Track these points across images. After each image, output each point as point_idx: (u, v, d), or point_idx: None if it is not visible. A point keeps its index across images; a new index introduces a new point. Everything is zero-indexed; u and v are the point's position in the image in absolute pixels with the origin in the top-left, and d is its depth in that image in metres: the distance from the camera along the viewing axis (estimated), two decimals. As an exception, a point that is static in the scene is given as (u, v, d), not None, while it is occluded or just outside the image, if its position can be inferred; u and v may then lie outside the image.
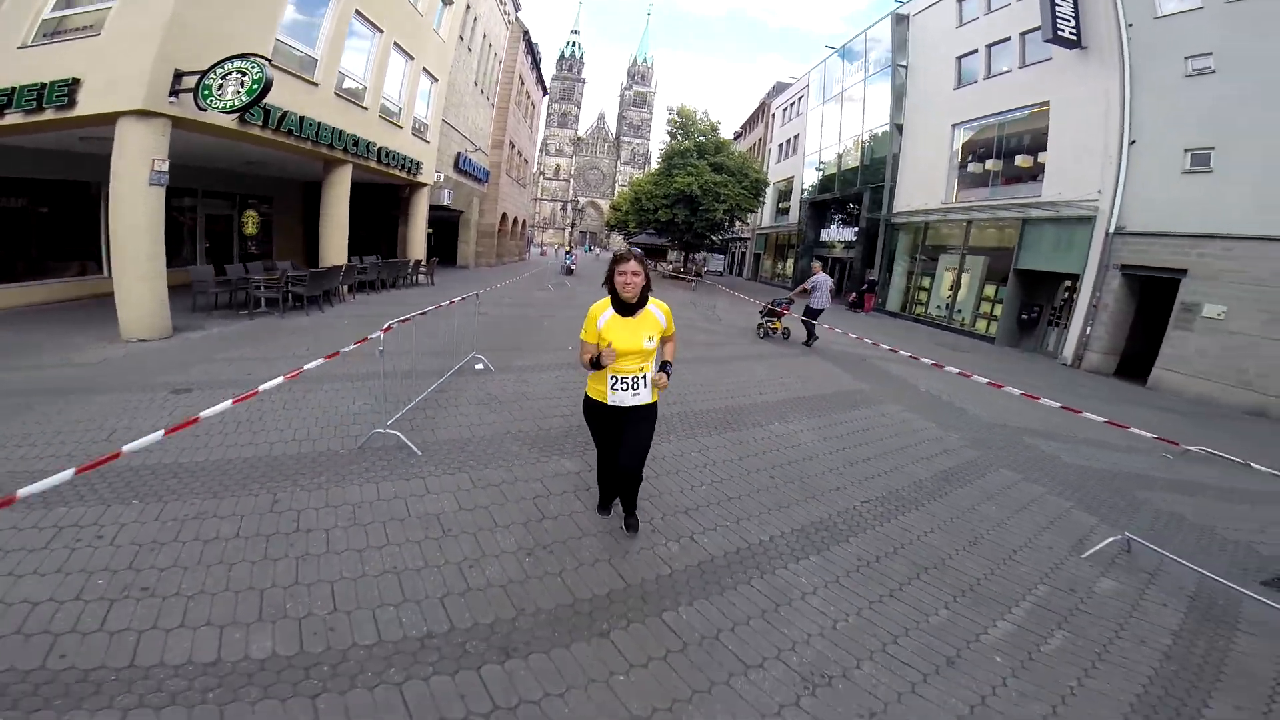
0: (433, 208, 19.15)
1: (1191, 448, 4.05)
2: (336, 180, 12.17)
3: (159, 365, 6.50)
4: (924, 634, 2.83)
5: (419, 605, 2.67)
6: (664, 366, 3.17)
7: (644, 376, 3.05)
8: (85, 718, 1.94)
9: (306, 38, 10.68)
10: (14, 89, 7.43)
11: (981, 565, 3.59)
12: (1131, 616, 3.16)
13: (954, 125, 19.00)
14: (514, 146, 32.97)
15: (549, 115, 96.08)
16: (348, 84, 12.17)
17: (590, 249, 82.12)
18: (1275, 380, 10.28)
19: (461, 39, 20.47)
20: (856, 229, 25.34)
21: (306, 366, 3.98)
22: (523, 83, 33.96)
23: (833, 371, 9.42)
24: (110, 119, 7.27)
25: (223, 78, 7.36)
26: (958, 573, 3.47)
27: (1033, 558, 3.76)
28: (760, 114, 46.21)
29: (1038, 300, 16.05)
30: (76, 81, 7.28)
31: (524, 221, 43.29)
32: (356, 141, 12.04)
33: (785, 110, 38.30)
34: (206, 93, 7.27)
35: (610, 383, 3.04)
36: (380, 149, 13.24)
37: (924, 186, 20.26)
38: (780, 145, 38.88)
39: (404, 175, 15.08)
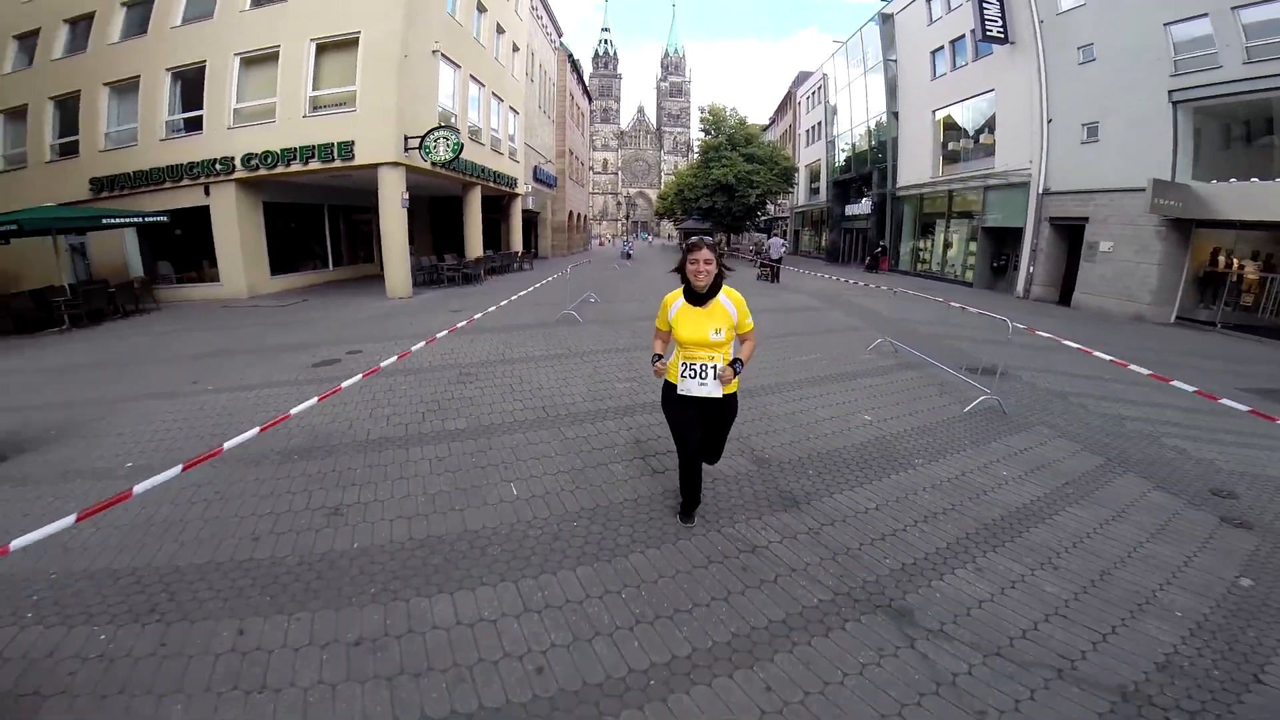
0: (523, 211, 24.79)
1: (1019, 325, 8.74)
2: (472, 198, 17.85)
3: (419, 306, 12.11)
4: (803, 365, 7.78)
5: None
6: (733, 363, 2.99)
7: (714, 366, 2.96)
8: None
9: (450, 102, 16.27)
10: (314, 146, 13.19)
11: (836, 368, 8.46)
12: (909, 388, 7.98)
13: (933, 110, 22.88)
14: (572, 153, 38.47)
15: (591, 113, 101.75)
16: (472, 127, 17.74)
17: (645, 237, 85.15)
18: (1144, 293, 14.25)
19: (528, 75, 25.92)
20: (870, 202, 29.33)
21: (496, 307, 9.26)
22: (572, 97, 39.33)
23: (803, 299, 14.23)
24: (375, 166, 12.96)
25: (435, 141, 12.90)
26: (813, 366, 8.35)
27: (853, 354, 8.59)
28: (788, 102, 49.86)
29: (1005, 250, 19.95)
30: (351, 143, 12.99)
31: (584, 216, 48.97)
32: (484, 170, 17.62)
33: (808, 99, 42.00)
34: (428, 151, 12.85)
35: (681, 369, 3.01)
36: (495, 173, 18.84)
37: (916, 164, 24.23)
38: (807, 131, 42.63)
39: (507, 190, 20.71)
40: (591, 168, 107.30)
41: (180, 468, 2.97)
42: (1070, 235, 16.71)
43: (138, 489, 2.67)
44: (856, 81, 30.45)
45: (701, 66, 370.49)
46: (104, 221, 11.79)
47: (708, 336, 2.92)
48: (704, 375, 2.96)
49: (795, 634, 2.55)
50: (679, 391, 3.04)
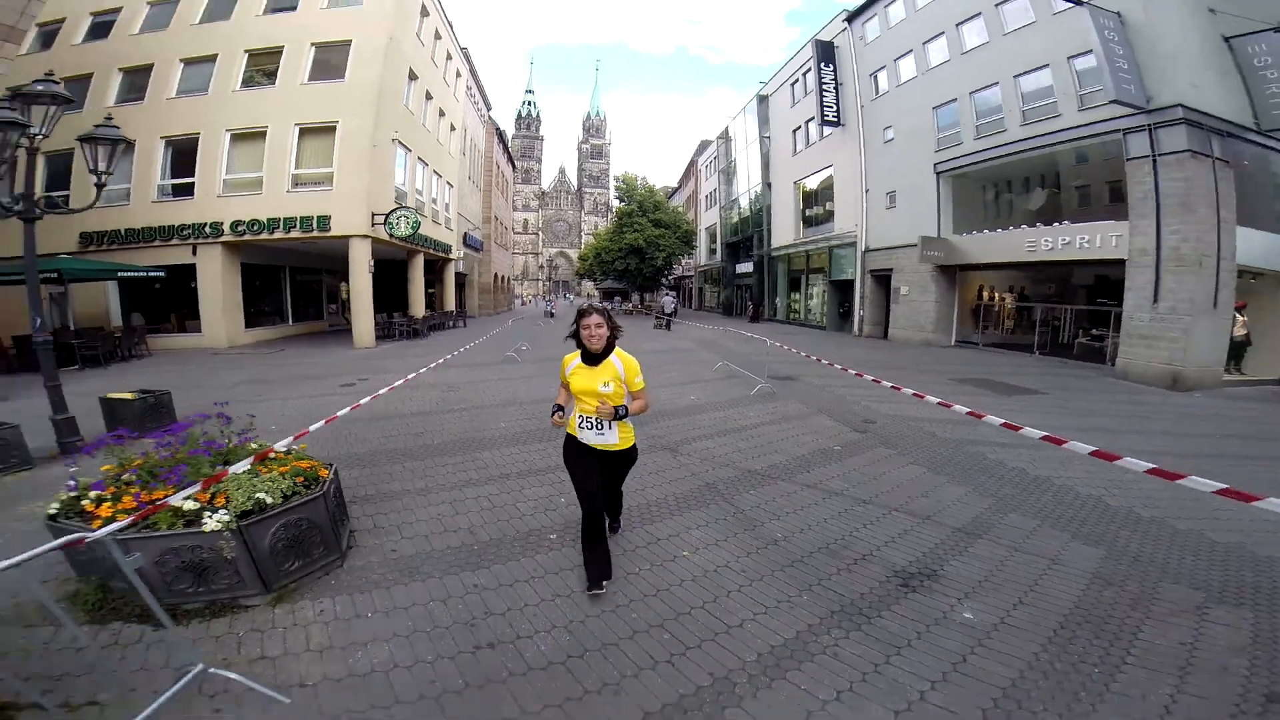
0: (455, 274, 28.24)
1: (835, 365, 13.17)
2: (416, 264, 21.30)
3: (387, 353, 15.30)
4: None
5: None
6: (618, 410, 3.17)
7: (610, 422, 3.19)
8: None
9: (403, 181, 19.85)
10: (296, 218, 16.30)
11: (686, 376, 12.60)
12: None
13: (794, 182, 28.80)
14: (497, 219, 42.51)
15: (514, 175, 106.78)
16: (417, 201, 21.29)
17: (569, 297, 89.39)
18: (929, 325, 19.66)
19: (462, 152, 29.93)
20: (753, 262, 34.99)
21: (451, 355, 12.95)
22: (498, 166, 43.74)
23: (684, 343, 18.60)
24: (347, 237, 16.26)
25: (397, 219, 16.42)
26: (675, 378, 12.46)
27: (702, 373, 12.79)
28: (691, 168, 56.77)
29: (847, 299, 25.44)
30: (329, 217, 16.26)
31: (507, 278, 52.68)
32: (426, 239, 21.12)
33: (707, 166, 48.65)
34: (391, 226, 16.34)
35: (579, 421, 3.26)
36: (435, 241, 22.41)
37: (784, 228, 30.05)
38: (706, 196, 49.07)
39: (443, 255, 24.26)
40: (513, 229, 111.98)
41: (324, 422, 4.96)
42: (885, 284, 22.27)
43: (311, 428, 6.12)
44: (742, 154, 36.70)
45: (625, 118, 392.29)
46: (119, 274, 14.34)
47: (597, 388, 3.14)
48: (600, 427, 3.20)
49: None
50: (580, 440, 3.28)
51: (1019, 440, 6.36)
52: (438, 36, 23.55)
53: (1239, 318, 13.73)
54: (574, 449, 3.35)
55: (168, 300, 17.58)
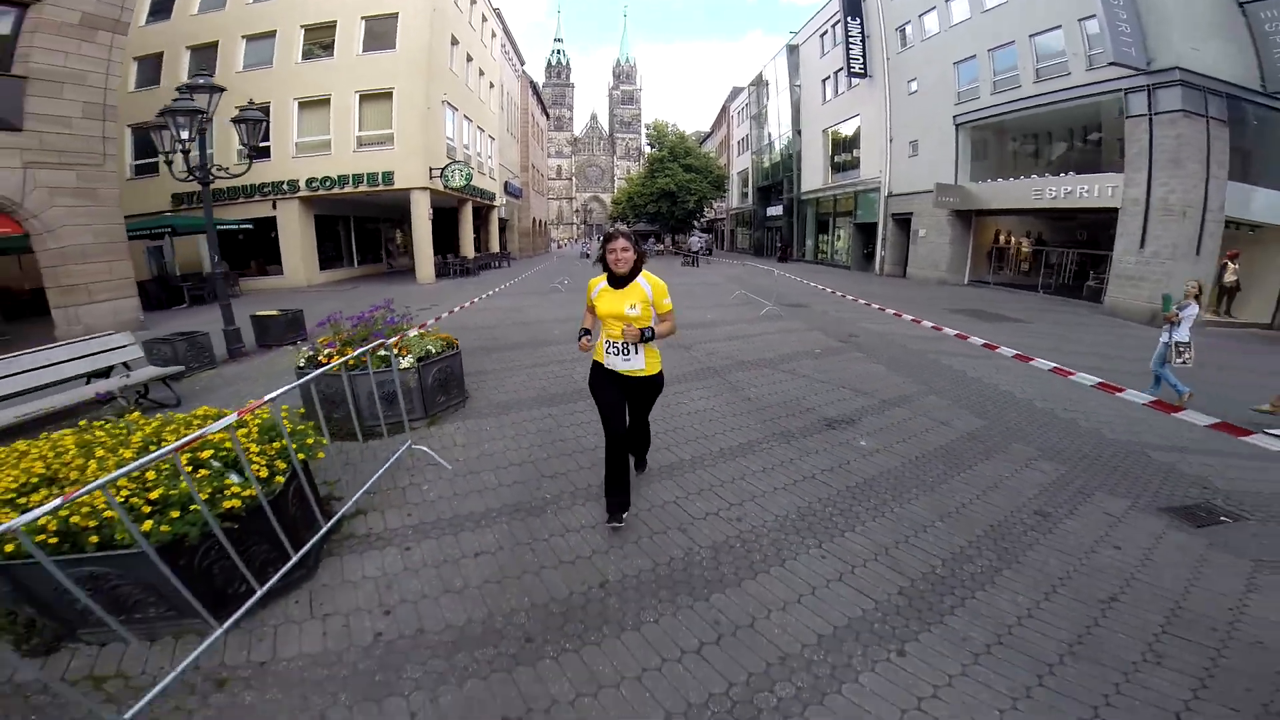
0: (498, 219, 30.12)
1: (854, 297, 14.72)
2: (465, 211, 23.22)
3: (448, 288, 17.41)
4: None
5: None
6: (644, 331, 3.13)
7: (637, 345, 3.18)
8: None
9: (453, 137, 21.55)
10: (364, 174, 18.33)
11: (706, 302, 14.32)
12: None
13: (824, 130, 29.31)
14: (534, 167, 43.84)
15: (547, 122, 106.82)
16: (465, 155, 23.01)
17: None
18: (944, 265, 20.70)
19: (501, 107, 31.23)
20: (783, 205, 35.73)
21: (502, 287, 14.87)
22: (533, 117, 44.73)
23: (712, 277, 20.16)
24: (408, 190, 18.22)
25: (452, 171, 18.24)
26: (700, 303, 14.19)
27: (724, 299, 14.47)
28: (724, 114, 56.36)
29: (870, 241, 26.37)
30: (391, 172, 18.21)
31: (544, 222, 54.32)
32: (474, 189, 22.92)
33: (739, 113, 48.50)
34: (447, 179, 18.18)
35: (605, 347, 3.28)
36: (481, 190, 24.15)
37: (813, 173, 30.69)
38: (738, 141, 49.12)
39: (488, 203, 26.04)
40: (547, 175, 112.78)
41: (417, 329, 8.31)
42: (905, 227, 23.17)
43: (411, 333, 8.15)
44: (773, 101, 36.88)
45: (657, 67, 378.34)
46: (217, 227, 16.62)
47: (623, 311, 3.13)
48: (627, 352, 3.20)
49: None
50: (606, 367, 3.29)
51: (972, 350, 7.98)
52: (473, 1, 24.61)
53: (1230, 266, 14.58)
54: (600, 378, 3.38)
55: (248, 249, 20.00)
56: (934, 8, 20.52)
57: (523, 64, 41.44)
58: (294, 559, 2.75)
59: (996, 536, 3.40)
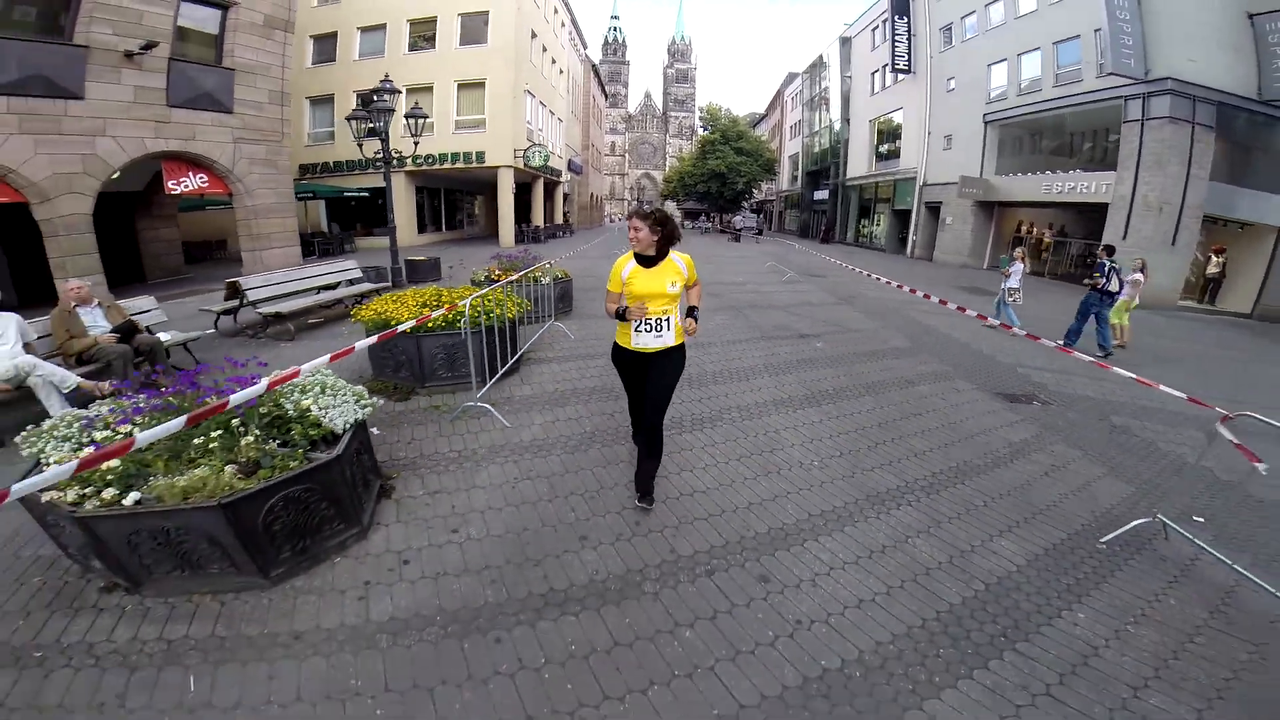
0: (562, 194, 33.40)
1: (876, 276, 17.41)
2: (537, 186, 26.53)
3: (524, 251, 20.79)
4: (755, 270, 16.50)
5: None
6: (691, 311, 3.28)
7: (668, 320, 3.20)
8: (604, 263, 16.05)
9: (531, 121, 24.77)
10: (460, 152, 21.80)
11: (742, 269, 17.15)
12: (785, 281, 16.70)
13: (870, 120, 31.13)
14: (593, 146, 46.78)
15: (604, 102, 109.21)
16: (540, 138, 26.22)
17: None
18: (966, 250, 22.76)
19: (568, 91, 34.21)
20: (829, 190, 37.65)
21: (573, 252, 18.02)
22: (594, 99, 47.53)
23: (751, 251, 22.87)
24: (496, 168, 21.64)
25: (532, 152, 21.49)
26: (735, 270, 17.05)
27: (757, 268, 17.28)
28: (778, 99, 57.71)
29: (905, 226, 28.35)
30: (484, 152, 21.62)
31: (600, 197, 57.48)
32: (547, 167, 26.15)
33: (793, 98, 49.96)
34: (528, 159, 21.47)
35: (634, 326, 3.21)
36: (551, 168, 27.37)
37: (858, 161, 32.58)
38: (791, 126, 50.67)
39: (555, 179, 29.27)
40: (603, 153, 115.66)
41: (547, 263, 11.54)
42: (936, 214, 25.16)
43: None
44: (823, 91, 38.60)
45: (713, 42, 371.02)
46: (344, 194, 20.51)
47: (665, 289, 3.13)
48: (659, 329, 3.19)
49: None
50: (633, 345, 3.27)
51: (936, 309, 10.68)
52: (548, -5, 27.70)
53: (1215, 259, 16.43)
54: (624, 359, 3.43)
55: (357, 213, 23.88)
56: (974, 11, 22.29)
57: (585, 48, 44.14)
58: (521, 350, 5.98)
59: (875, 389, 6.26)
